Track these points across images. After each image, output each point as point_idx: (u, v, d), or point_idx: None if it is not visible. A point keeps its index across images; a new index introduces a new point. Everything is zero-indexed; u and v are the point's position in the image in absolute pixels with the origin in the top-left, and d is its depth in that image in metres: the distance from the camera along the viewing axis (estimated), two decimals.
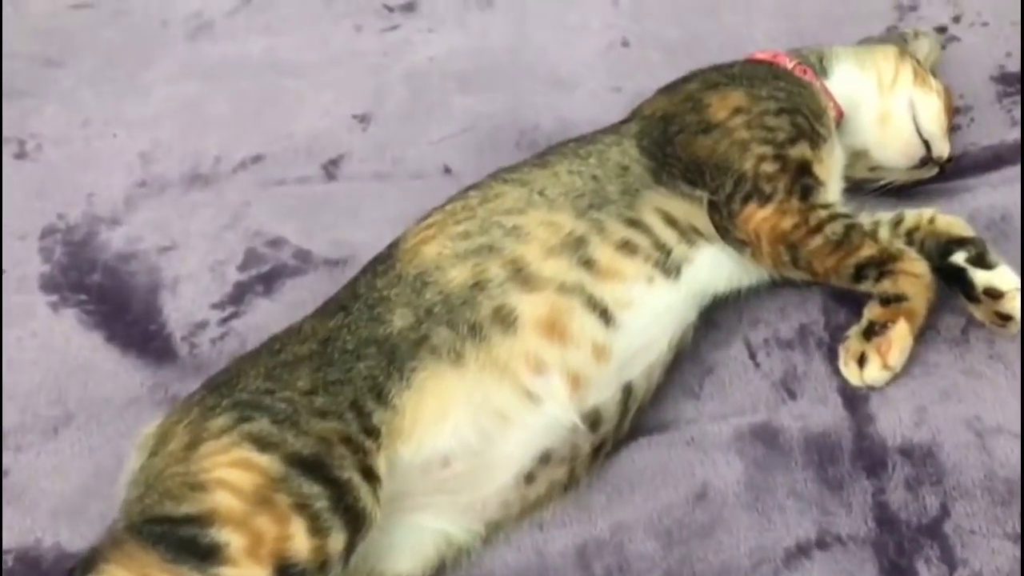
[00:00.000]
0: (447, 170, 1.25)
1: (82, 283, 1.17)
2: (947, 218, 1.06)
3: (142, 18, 1.51)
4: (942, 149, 1.13)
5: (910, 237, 1.06)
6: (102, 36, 1.49)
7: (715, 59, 1.20)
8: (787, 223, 1.00)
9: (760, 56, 1.17)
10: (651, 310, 0.98)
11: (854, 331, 1.00)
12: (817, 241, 0.99)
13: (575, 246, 0.97)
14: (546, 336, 0.93)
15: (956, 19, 1.36)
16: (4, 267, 1.19)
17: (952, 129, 1.20)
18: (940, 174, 1.15)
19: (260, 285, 1.15)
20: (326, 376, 0.90)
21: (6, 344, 1.10)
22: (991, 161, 1.21)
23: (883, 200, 1.16)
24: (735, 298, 1.06)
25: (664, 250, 0.99)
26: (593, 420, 0.94)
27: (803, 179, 1.03)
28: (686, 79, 1.16)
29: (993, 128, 1.24)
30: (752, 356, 1.04)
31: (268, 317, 1.10)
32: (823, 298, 1.06)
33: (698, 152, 1.04)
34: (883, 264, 0.99)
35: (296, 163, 1.28)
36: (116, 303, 1.15)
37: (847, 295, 1.04)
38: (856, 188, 1.16)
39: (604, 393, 0.95)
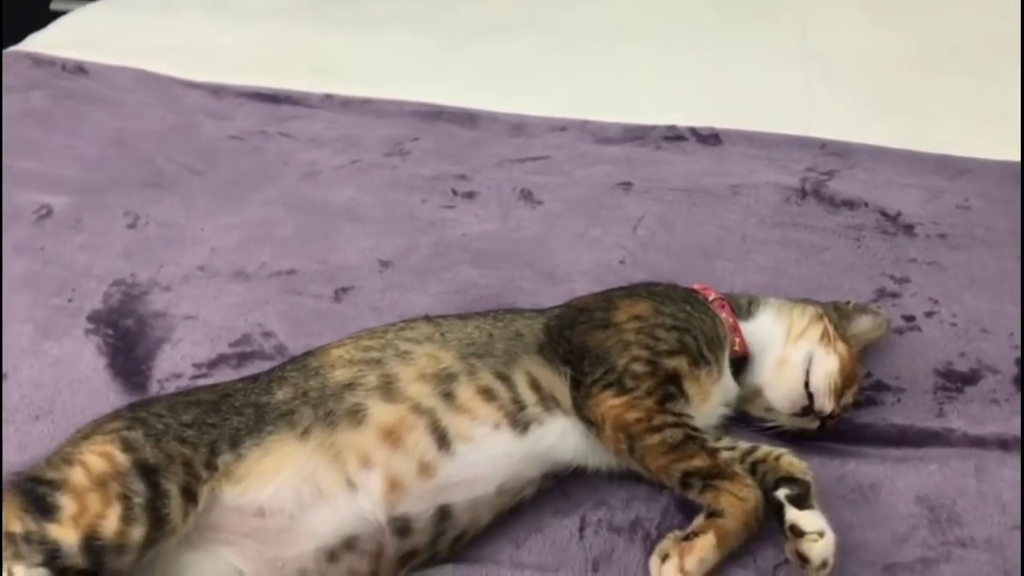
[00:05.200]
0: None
1: (116, 323, 1.46)
2: (792, 459, 1.13)
3: (273, 156, 1.89)
4: (823, 404, 1.20)
5: (754, 467, 1.14)
6: (238, 162, 1.88)
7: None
8: (632, 415, 1.11)
9: (694, 286, 1.32)
10: (488, 451, 1.11)
11: (675, 533, 1.08)
12: (654, 439, 1.10)
13: (445, 379, 1.14)
14: (383, 440, 1.09)
15: (929, 314, 1.43)
16: (75, 298, 1.51)
17: (860, 399, 1.27)
18: (822, 428, 1.22)
19: (235, 359, 1.39)
20: (206, 419, 1.11)
21: (39, 347, 1.40)
22: (896, 439, 1.26)
23: (773, 441, 1.24)
24: (594, 478, 1.17)
25: (520, 405, 1.13)
26: (402, 527, 1.07)
27: (668, 386, 1.15)
28: (621, 288, 1.32)
29: (915, 413, 1.29)
30: (581, 529, 1.13)
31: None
32: (668, 500, 1.15)
33: (588, 341, 1.19)
34: (709, 477, 1.08)
35: (317, 283, 1.54)
36: (130, 343, 1.43)
37: (691, 505, 1.12)
38: (751, 423, 1.25)
39: (418, 506, 1.08)
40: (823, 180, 1.74)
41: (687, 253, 1.58)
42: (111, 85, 2.15)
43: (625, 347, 1.18)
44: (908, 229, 1.61)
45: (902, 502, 1.15)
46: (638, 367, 1.15)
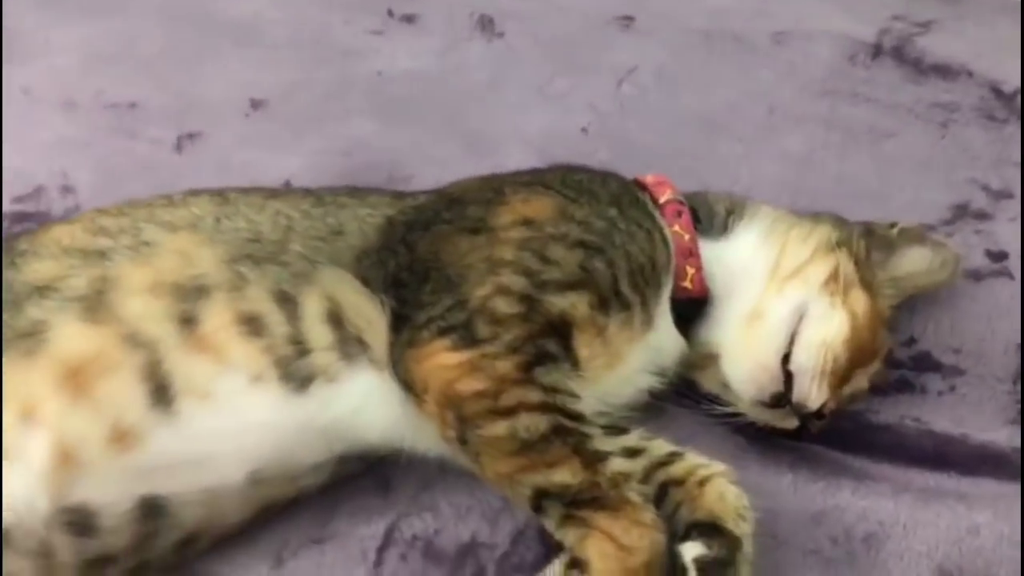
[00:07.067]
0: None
1: None
2: (726, 487, 0.69)
3: None
4: (806, 394, 0.73)
5: (664, 491, 0.69)
6: None
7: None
8: (469, 385, 0.68)
9: (645, 178, 0.84)
10: (237, 417, 0.70)
11: None
12: (498, 429, 0.67)
13: (189, 294, 0.72)
14: (62, 382, 0.68)
15: None
16: None
17: (884, 383, 0.79)
18: (803, 430, 0.75)
19: (8, 221, 1.01)
20: None
21: None
22: (931, 455, 0.78)
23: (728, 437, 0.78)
24: (424, 467, 0.75)
25: (300, 348, 0.71)
26: (80, 521, 0.68)
27: (546, 341, 0.70)
28: (529, 172, 0.86)
29: (974, 413, 0.82)
30: (381, 548, 0.72)
31: None
32: (528, 519, 0.72)
33: (443, 252, 0.75)
34: (577, 505, 0.65)
35: (160, 124, 1.13)
36: None
37: None
38: (699, 402, 0.80)
39: (104, 494, 0.68)
40: (913, 34, 1.19)
41: (684, 125, 1.09)
42: None
43: (492, 269, 0.72)
44: None
45: (912, 572, 0.69)
46: (502, 304, 0.70)
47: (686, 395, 0.80)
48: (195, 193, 0.83)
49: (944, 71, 1.13)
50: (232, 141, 1.10)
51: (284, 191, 0.84)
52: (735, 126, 1.08)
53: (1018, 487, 0.75)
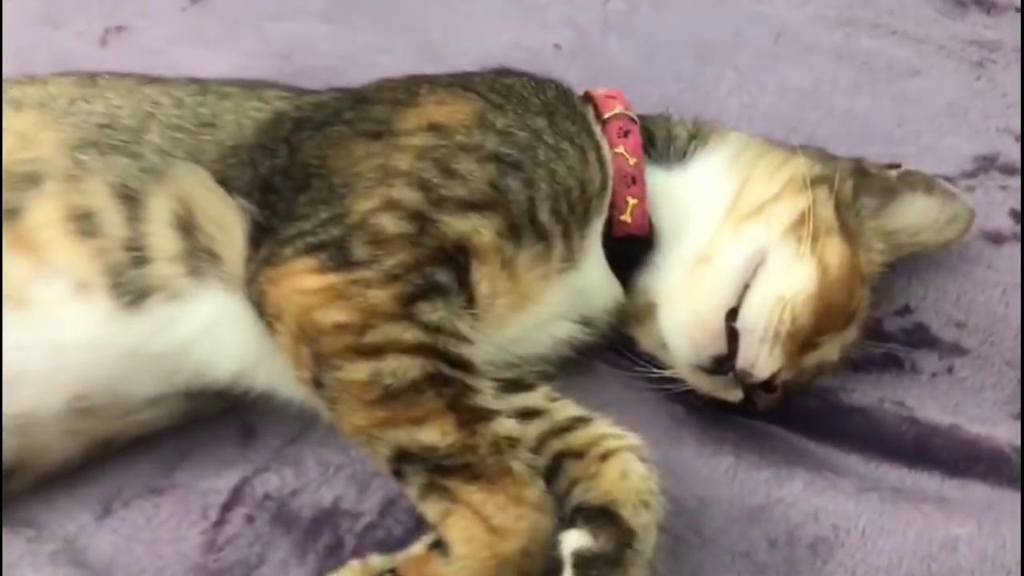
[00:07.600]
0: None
1: None
2: (630, 466, 0.56)
3: None
4: (752, 359, 0.59)
5: (559, 463, 0.56)
6: None
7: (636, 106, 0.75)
8: (330, 315, 0.55)
9: (596, 92, 0.70)
10: (55, 331, 0.59)
11: (368, 560, 0.54)
12: (358, 372, 0.54)
13: (17, 182, 0.60)
14: None
15: None
16: None
17: (861, 356, 0.65)
18: (749, 403, 0.61)
19: None
20: None
21: None
22: (910, 447, 0.64)
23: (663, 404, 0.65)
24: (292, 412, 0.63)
25: (137, 255, 0.59)
26: None
27: (440, 271, 0.57)
28: (459, 75, 0.72)
29: (970, 400, 0.68)
30: (226, 507, 0.61)
31: None
32: None
33: (332, 157, 0.62)
34: (444, 472, 0.52)
35: (88, 15, 1.00)
36: None
37: None
38: (635, 362, 0.66)
39: None
40: None
41: (673, 48, 0.93)
42: None
43: (384, 179, 0.59)
44: None
45: None
46: (388, 222, 0.57)
47: (623, 354, 0.67)
48: (65, 74, 0.71)
49: (988, 5, 0.96)
50: (162, 37, 0.97)
51: (168, 78, 0.71)
52: (732, 53, 0.92)
53: (1015, 495, 0.61)
